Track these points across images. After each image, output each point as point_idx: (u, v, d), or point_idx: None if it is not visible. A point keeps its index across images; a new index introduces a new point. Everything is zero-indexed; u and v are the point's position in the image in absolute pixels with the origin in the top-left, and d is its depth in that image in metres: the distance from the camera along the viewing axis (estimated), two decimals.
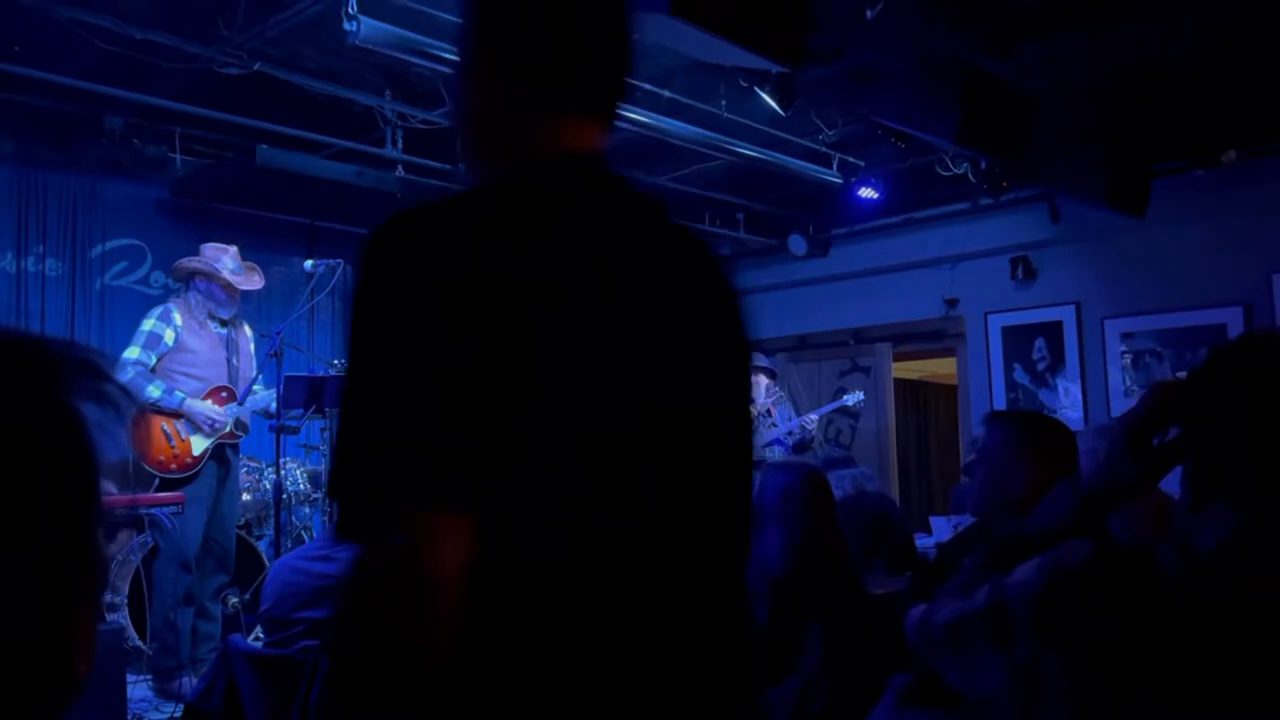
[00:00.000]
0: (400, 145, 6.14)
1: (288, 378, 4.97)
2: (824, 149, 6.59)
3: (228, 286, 5.06)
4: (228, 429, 4.98)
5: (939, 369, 10.21)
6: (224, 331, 5.16)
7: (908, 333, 8.74)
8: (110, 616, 4.94)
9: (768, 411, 7.19)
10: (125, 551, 5.19)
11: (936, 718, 1.93)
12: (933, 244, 8.36)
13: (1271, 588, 0.98)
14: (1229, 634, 0.97)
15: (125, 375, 4.83)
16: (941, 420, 10.87)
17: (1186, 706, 0.96)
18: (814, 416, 7.39)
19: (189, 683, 4.53)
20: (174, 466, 4.88)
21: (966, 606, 1.12)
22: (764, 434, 7.11)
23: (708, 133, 5.98)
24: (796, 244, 8.44)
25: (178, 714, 4.37)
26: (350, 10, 4.24)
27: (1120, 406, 7.51)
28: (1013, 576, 1.10)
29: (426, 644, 0.91)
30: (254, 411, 5.19)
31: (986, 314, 8.20)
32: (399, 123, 6.04)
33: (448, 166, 6.39)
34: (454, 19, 4.72)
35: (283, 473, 5.25)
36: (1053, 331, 7.88)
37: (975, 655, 1.10)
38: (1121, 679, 0.96)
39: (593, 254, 1.04)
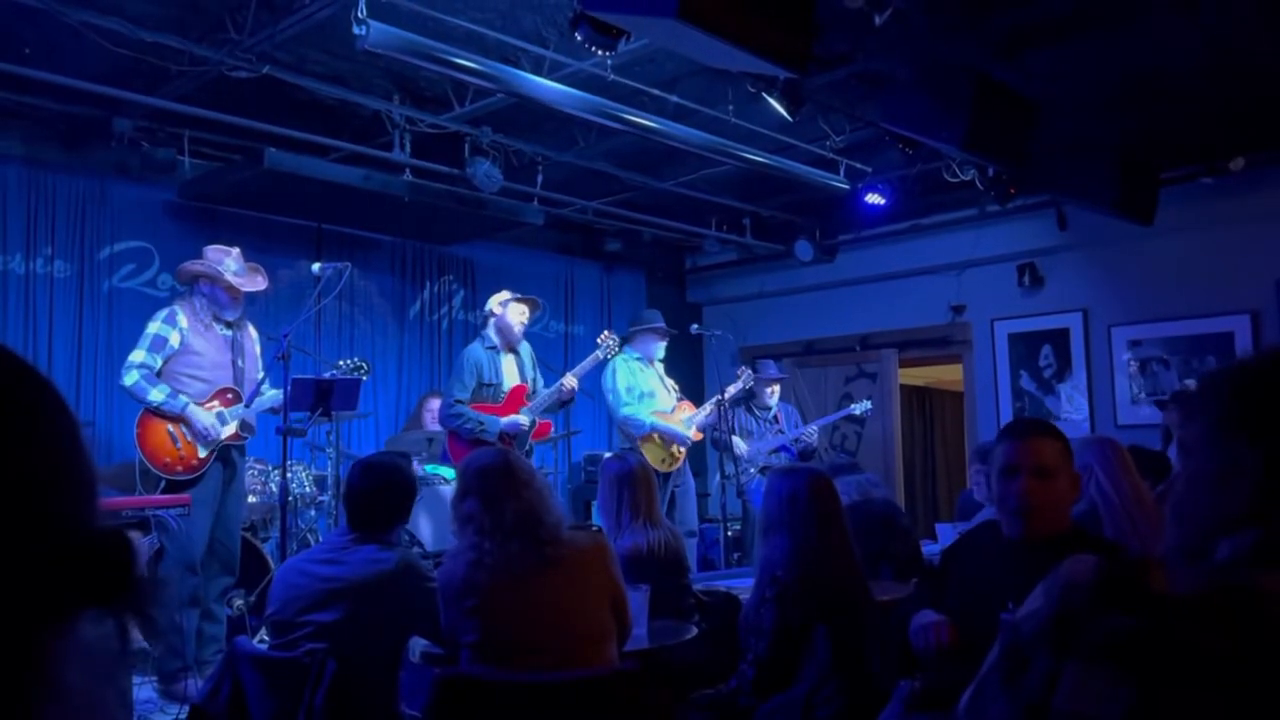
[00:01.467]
0: (408, 149, 6.15)
1: (295, 380, 4.97)
2: (831, 155, 6.59)
3: (230, 289, 5.06)
4: (223, 437, 4.98)
5: (945, 375, 10.19)
6: (229, 334, 5.16)
7: (914, 339, 8.73)
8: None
9: (775, 418, 7.18)
10: None
11: None
12: (939, 250, 8.35)
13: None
14: (1237, 647, 0.96)
15: (131, 378, 4.84)
16: (948, 427, 10.84)
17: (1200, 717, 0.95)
18: (814, 428, 7.23)
19: (194, 685, 4.53)
20: (180, 469, 4.88)
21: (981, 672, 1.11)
22: (771, 440, 7.09)
23: (714, 138, 5.98)
24: (803, 250, 8.44)
25: (183, 716, 4.37)
26: (359, 14, 4.25)
27: (1127, 414, 7.49)
28: (1020, 613, 1.09)
29: None
30: (260, 411, 5.19)
31: (993, 321, 8.19)
32: (407, 127, 6.06)
33: (455, 170, 6.40)
34: (463, 24, 4.74)
35: (289, 475, 5.24)
36: (1059, 339, 7.87)
37: (986, 705, 1.09)
38: (1143, 685, 0.96)
39: None
